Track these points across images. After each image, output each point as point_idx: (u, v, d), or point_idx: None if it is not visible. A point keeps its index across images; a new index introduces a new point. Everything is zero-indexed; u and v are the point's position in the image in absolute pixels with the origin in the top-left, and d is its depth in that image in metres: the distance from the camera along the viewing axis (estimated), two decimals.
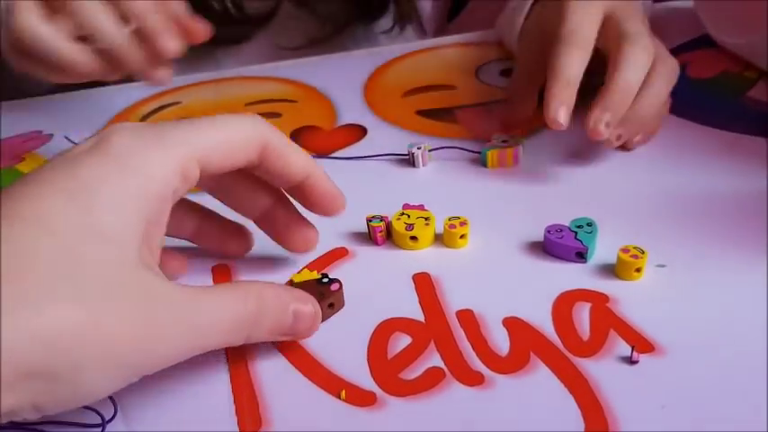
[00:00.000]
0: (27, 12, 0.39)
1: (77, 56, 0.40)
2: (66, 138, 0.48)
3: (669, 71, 0.42)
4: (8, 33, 0.40)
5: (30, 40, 0.39)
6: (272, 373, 0.31)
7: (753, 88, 0.49)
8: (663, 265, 0.35)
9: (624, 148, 0.44)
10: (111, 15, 0.40)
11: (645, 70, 0.41)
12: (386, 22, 0.66)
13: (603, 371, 0.30)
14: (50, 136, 0.49)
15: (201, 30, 0.43)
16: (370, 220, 0.38)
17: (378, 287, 0.35)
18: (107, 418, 0.29)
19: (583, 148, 0.44)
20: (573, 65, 0.40)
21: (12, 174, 0.46)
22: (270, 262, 0.37)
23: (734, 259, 0.36)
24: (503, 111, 0.47)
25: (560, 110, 0.39)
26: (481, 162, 0.43)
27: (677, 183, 0.41)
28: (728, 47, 0.52)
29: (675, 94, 0.45)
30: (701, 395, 0.29)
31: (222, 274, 0.37)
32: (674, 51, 0.50)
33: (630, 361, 0.31)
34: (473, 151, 0.44)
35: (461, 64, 0.54)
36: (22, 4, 0.39)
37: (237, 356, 0.32)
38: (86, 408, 0.29)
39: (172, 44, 0.42)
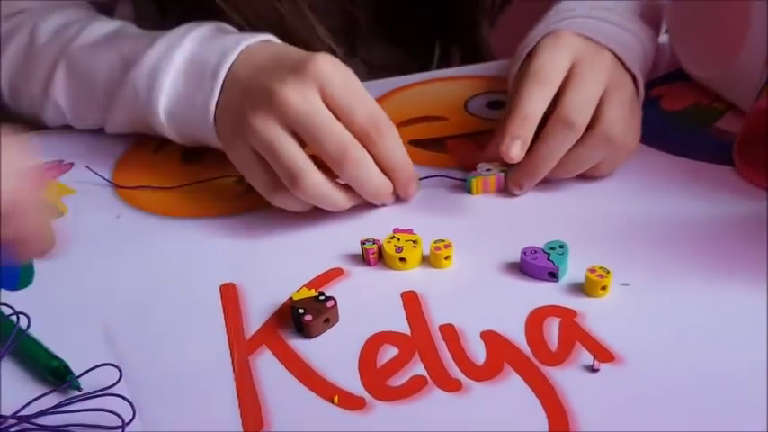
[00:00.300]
0: (314, 174, 0.42)
1: (345, 204, 0.44)
2: (88, 167, 0.52)
3: (597, 69, 0.45)
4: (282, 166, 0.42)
5: (318, 199, 0.43)
6: (273, 380, 0.35)
7: (720, 120, 0.53)
8: (627, 284, 0.39)
9: (589, 176, 0.47)
10: (375, 169, 0.44)
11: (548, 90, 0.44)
12: None
13: (568, 378, 0.34)
14: (71, 164, 0.54)
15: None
16: (364, 243, 0.42)
17: (369, 304, 0.39)
18: (126, 420, 0.33)
19: (556, 180, 0.48)
20: (533, 101, 0.44)
21: None
22: (273, 282, 0.41)
23: (693, 280, 0.39)
24: (490, 142, 0.51)
25: (513, 144, 0.43)
26: (466, 189, 0.47)
27: (644, 209, 0.45)
28: (700, 80, 0.56)
29: (647, 124, 0.49)
30: (656, 401, 0.33)
31: (229, 292, 0.41)
32: (650, 84, 0.55)
33: (592, 369, 0.34)
34: (459, 179, 0.48)
35: (452, 97, 0.58)
36: (303, 162, 0.42)
37: (242, 365, 0.36)
38: (106, 410, 0.33)
39: (412, 191, 0.46)
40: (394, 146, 0.44)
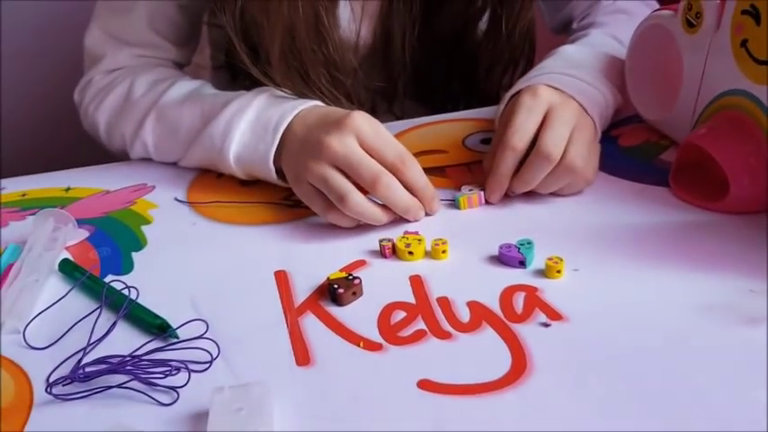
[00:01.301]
0: (357, 195, 0.56)
1: (383, 218, 0.57)
2: (177, 199, 0.66)
3: (568, 115, 0.58)
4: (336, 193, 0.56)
5: (362, 214, 0.56)
6: (316, 333, 0.49)
7: (665, 152, 0.67)
8: (577, 270, 0.52)
9: (555, 194, 0.61)
10: (402, 190, 0.57)
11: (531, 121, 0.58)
12: None
13: (527, 331, 0.47)
14: (153, 187, 0.68)
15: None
16: (381, 241, 0.56)
17: (385, 283, 0.53)
18: (214, 357, 0.47)
19: (527, 194, 0.60)
20: (506, 164, 0.58)
21: (126, 213, 0.64)
22: (312, 270, 0.54)
23: (628, 267, 0.52)
24: (480, 170, 0.65)
25: (494, 196, 0.60)
26: (455, 205, 0.61)
27: (597, 217, 0.58)
28: (650, 122, 0.70)
29: (608, 157, 0.62)
30: (590, 348, 0.46)
31: (281, 276, 0.54)
32: (611, 125, 0.69)
33: (545, 325, 0.48)
34: (450, 199, 0.62)
35: (452, 135, 0.72)
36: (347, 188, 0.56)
37: (293, 323, 0.49)
38: (199, 349, 0.47)
39: (436, 207, 0.59)
40: (417, 173, 0.58)
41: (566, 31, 0.85)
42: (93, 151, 0.76)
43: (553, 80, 0.63)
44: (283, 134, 0.61)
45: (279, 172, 0.62)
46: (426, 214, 0.59)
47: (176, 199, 0.65)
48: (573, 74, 0.65)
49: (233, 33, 0.66)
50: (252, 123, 0.63)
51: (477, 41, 0.80)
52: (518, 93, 0.62)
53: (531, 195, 0.60)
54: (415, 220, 0.59)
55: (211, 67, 0.84)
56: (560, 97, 0.61)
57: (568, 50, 0.70)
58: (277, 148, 0.61)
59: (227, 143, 0.63)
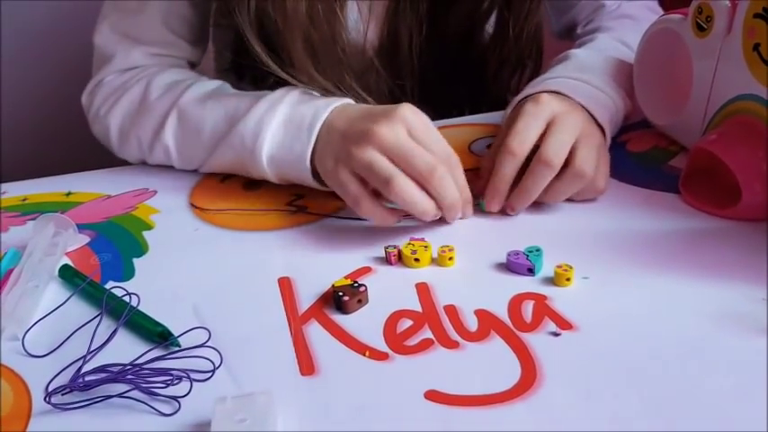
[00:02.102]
0: (405, 178, 0.54)
1: (431, 207, 0.55)
2: (195, 206, 0.65)
3: (572, 123, 0.57)
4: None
5: (408, 200, 0.54)
6: (320, 341, 0.48)
7: (674, 159, 0.66)
8: (586, 277, 0.51)
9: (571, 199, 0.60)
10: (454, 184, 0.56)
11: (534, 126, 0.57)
12: None
13: (537, 340, 0.46)
14: (155, 192, 0.67)
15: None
16: (387, 248, 0.55)
17: (391, 291, 0.52)
18: (216, 366, 0.46)
19: (535, 202, 0.59)
20: (504, 169, 0.57)
21: (127, 218, 0.63)
22: (316, 277, 0.53)
23: (638, 275, 0.51)
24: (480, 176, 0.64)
25: (493, 203, 0.58)
26: (480, 207, 0.59)
27: (607, 223, 0.57)
28: (659, 128, 0.69)
29: (615, 163, 0.61)
30: (600, 357, 0.45)
31: (285, 283, 0.53)
32: (620, 131, 0.68)
33: (555, 334, 0.47)
34: None
35: (458, 140, 0.71)
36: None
37: (297, 331, 0.48)
38: (201, 357, 0.46)
39: (470, 212, 0.58)
40: (460, 174, 0.57)
41: (569, 36, 0.84)
42: (95, 155, 0.75)
43: (562, 85, 0.62)
44: (319, 132, 0.59)
45: (313, 172, 0.61)
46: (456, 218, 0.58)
47: (193, 205, 0.64)
48: (583, 78, 0.64)
49: (250, 33, 0.64)
50: (284, 122, 0.61)
51: (485, 44, 0.79)
52: (523, 100, 0.61)
53: (539, 202, 0.60)
54: (451, 221, 0.58)
55: (215, 70, 0.83)
56: (566, 105, 0.60)
57: (578, 55, 0.69)
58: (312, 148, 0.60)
59: (259, 143, 0.61)
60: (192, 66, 0.78)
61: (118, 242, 0.60)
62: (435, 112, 0.80)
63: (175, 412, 0.43)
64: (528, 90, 0.64)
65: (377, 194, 0.57)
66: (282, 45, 0.65)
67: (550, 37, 0.85)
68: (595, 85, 0.64)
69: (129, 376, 0.45)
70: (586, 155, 0.57)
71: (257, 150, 0.61)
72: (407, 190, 0.54)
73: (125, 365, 0.46)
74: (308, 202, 0.63)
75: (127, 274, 0.56)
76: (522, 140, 0.57)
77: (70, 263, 0.57)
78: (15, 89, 1.17)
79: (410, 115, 0.56)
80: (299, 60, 0.64)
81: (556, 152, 0.56)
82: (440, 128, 0.58)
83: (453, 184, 0.55)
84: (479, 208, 0.60)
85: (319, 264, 0.55)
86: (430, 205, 0.55)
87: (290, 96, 0.63)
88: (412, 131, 0.56)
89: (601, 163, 0.59)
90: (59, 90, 0.96)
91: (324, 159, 0.59)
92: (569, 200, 0.59)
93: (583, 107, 0.61)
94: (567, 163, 0.57)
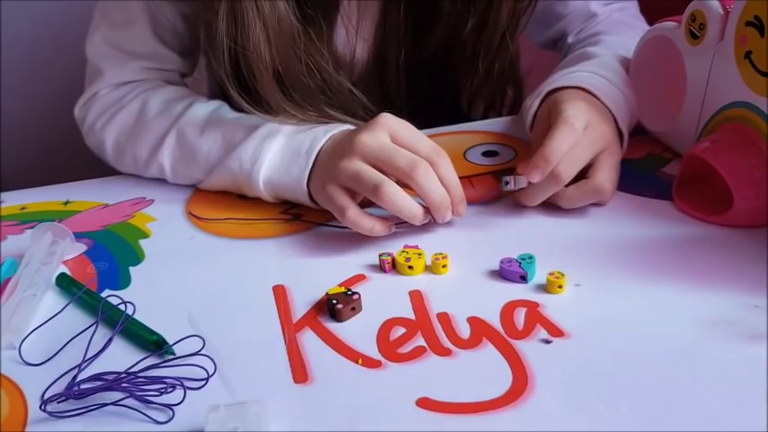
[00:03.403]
0: (392, 185, 0.54)
1: (419, 211, 0.55)
2: (199, 216, 0.65)
3: (592, 141, 0.58)
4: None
5: (397, 206, 0.54)
6: (314, 349, 0.48)
7: (667, 165, 0.66)
8: (578, 285, 0.52)
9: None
10: (438, 181, 0.56)
11: (568, 142, 0.56)
12: None
13: (529, 348, 0.46)
14: (151, 201, 0.68)
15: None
16: (381, 255, 0.55)
17: (385, 299, 0.52)
18: (210, 374, 0.46)
19: (528, 208, 0.60)
20: (561, 141, 0.56)
21: (124, 227, 0.64)
22: (311, 285, 0.54)
23: (630, 282, 0.52)
24: (480, 183, 0.64)
25: (534, 174, 0.56)
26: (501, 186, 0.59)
27: (599, 231, 0.58)
28: (654, 134, 0.69)
29: None
30: (592, 364, 0.45)
31: (280, 290, 0.54)
32: None
33: (546, 342, 0.47)
34: None
35: (453, 147, 0.72)
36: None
37: (291, 339, 0.49)
38: (195, 365, 0.46)
39: (463, 210, 0.57)
40: (450, 170, 0.57)
41: (553, 47, 0.85)
42: (93, 163, 0.75)
43: (592, 82, 0.63)
44: (315, 158, 0.60)
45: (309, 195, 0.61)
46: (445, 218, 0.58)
47: (190, 213, 0.65)
48: (606, 77, 0.65)
49: (228, 82, 0.64)
50: (282, 147, 0.62)
51: (458, 75, 0.79)
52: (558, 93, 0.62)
53: (532, 209, 0.60)
54: (442, 221, 0.57)
55: (209, 77, 0.83)
56: (596, 114, 0.60)
57: (598, 53, 0.70)
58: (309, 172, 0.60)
59: (257, 167, 0.62)
60: (184, 76, 0.78)
61: (114, 250, 0.60)
62: (426, 126, 0.81)
63: (169, 420, 0.43)
64: (560, 81, 0.64)
65: (367, 206, 0.57)
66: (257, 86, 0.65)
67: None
68: (617, 85, 0.65)
69: (124, 384, 0.46)
70: (608, 172, 0.59)
71: (255, 174, 0.62)
72: (396, 194, 0.54)
73: (120, 374, 0.47)
74: (303, 210, 0.63)
75: (123, 282, 0.56)
76: (577, 119, 0.57)
77: (67, 271, 0.57)
78: (14, 97, 1.17)
79: (392, 121, 0.57)
80: (273, 100, 0.64)
81: (567, 168, 0.57)
82: (434, 135, 0.59)
83: (437, 181, 0.56)
84: (501, 189, 0.59)
85: (314, 271, 0.56)
86: (418, 209, 0.56)
87: (288, 125, 0.63)
88: (395, 137, 0.56)
89: (615, 177, 0.60)
90: (58, 98, 0.96)
91: (315, 182, 0.60)
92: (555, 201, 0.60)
93: (610, 112, 0.61)
94: (587, 174, 0.58)
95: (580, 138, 0.57)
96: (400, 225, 0.58)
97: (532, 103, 0.65)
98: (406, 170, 0.55)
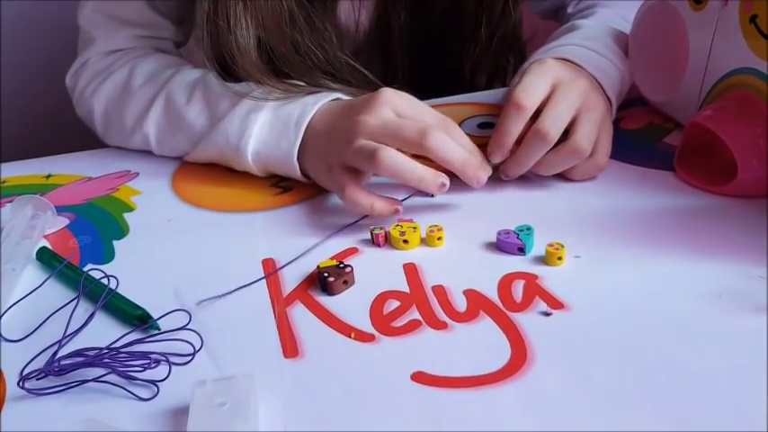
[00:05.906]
0: (389, 150, 0.52)
1: (423, 171, 0.52)
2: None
3: (570, 95, 0.55)
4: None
5: (397, 170, 0.52)
6: (305, 323, 0.46)
7: (668, 136, 0.64)
8: (578, 256, 0.50)
9: (564, 176, 0.58)
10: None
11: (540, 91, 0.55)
12: None
13: (527, 320, 0.45)
14: (137, 174, 0.66)
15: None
16: (373, 230, 0.53)
17: (378, 272, 0.50)
18: (196, 349, 0.44)
19: (525, 178, 0.58)
20: (511, 125, 0.55)
21: (109, 199, 0.62)
22: (305, 255, 0.52)
23: (630, 254, 0.50)
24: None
25: (494, 155, 0.56)
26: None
27: (600, 202, 0.56)
28: (654, 104, 0.67)
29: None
30: (591, 337, 0.43)
31: (269, 264, 0.52)
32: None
33: (546, 314, 0.45)
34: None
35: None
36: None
37: (281, 314, 0.47)
38: (182, 341, 0.44)
39: (484, 176, 0.54)
40: (462, 135, 0.55)
41: (554, 16, 0.83)
42: (77, 138, 0.73)
43: (572, 52, 0.61)
44: (306, 129, 0.58)
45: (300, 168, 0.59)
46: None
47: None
48: (592, 47, 0.62)
49: (210, 61, 0.61)
50: (270, 118, 0.59)
51: (460, 43, 0.76)
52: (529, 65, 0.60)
53: (529, 179, 0.58)
54: (478, 184, 0.54)
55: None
56: (571, 72, 0.58)
57: (585, 24, 0.68)
58: (300, 144, 0.58)
59: (245, 140, 0.59)
60: (178, 45, 0.76)
61: (98, 224, 0.58)
62: (428, 97, 0.79)
63: (153, 397, 0.41)
64: (535, 56, 0.62)
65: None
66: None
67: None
68: (604, 55, 0.62)
69: (106, 360, 0.44)
70: (587, 130, 0.56)
71: (243, 147, 0.59)
72: (393, 158, 0.51)
73: (101, 349, 0.45)
74: (293, 182, 0.61)
75: (107, 256, 0.54)
76: (529, 95, 0.55)
77: (48, 245, 0.55)
78: None
79: (392, 96, 0.55)
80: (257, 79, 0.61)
81: (552, 124, 0.54)
82: (431, 107, 0.56)
83: (452, 142, 0.53)
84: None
85: (302, 246, 0.54)
86: (427, 171, 0.52)
87: (275, 93, 0.60)
88: (398, 111, 0.54)
89: (603, 138, 0.57)
90: (40, 72, 0.94)
91: (312, 163, 0.58)
92: (568, 179, 0.58)
93: (591, 76, 0.59)
94: (566, 135, 0.56)
95: (560, 91, 0.56)
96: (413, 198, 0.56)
97: (514, 81, 0.63)
98: (417, 139, 0.52)
